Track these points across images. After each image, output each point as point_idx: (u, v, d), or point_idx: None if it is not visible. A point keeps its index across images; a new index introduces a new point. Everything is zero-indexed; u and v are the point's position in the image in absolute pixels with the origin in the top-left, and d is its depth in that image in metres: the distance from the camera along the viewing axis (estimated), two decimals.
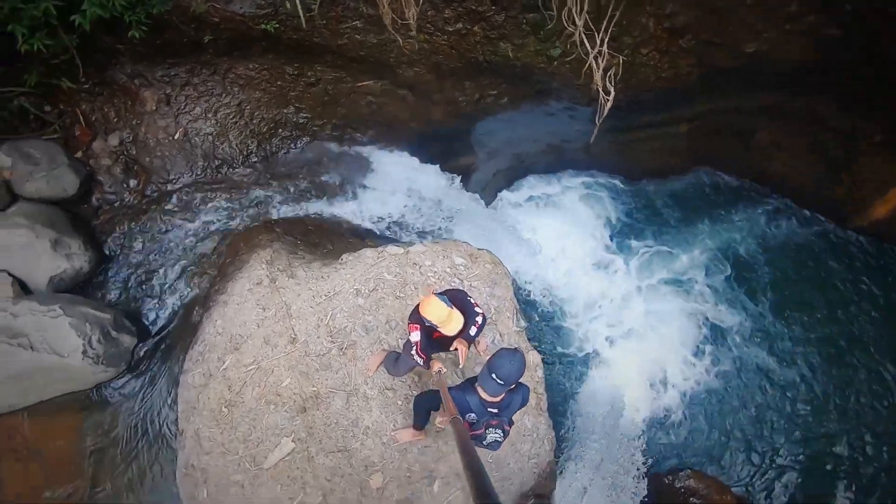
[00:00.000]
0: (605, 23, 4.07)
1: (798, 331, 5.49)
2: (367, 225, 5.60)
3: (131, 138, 5.23)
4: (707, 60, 4.89)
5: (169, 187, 5.31)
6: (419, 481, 3.65)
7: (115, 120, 5.19)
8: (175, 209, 5.22)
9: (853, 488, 4.86)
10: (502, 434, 2.78)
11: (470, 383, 2.74)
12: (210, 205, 5.27)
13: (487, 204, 6.07)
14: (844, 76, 4.84)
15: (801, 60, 4.74)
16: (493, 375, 2.44)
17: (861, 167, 5.51)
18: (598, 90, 4.39)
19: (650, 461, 4.94)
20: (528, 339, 4.37)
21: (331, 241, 5.16)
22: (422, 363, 2.89)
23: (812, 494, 4.90)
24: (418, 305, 2.90)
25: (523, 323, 4.41)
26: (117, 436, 4.26)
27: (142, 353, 4.60)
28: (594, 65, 4.26)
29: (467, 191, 5.97)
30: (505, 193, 6.43)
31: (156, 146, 5.28)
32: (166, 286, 4.97)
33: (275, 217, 5.31)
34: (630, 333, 5.51)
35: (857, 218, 5.79)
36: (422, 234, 5.61)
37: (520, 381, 2.59)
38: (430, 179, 5.95)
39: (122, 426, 4.28)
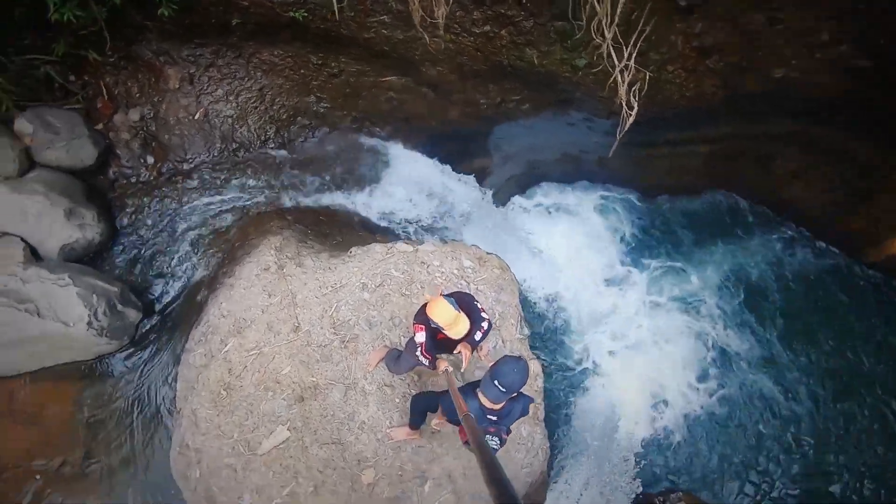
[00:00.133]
0: (634, 37, 4.03)
1: (805, 362, 5.43)
2: (378, 219, 5.61)
3: (152, 115, 5.26)
4: (733, 83, 4.84)
5: (185, 166, 5.34)
6: (411, 481, 3.65)
7: (137, 95, 5.22)
8: (189, 189, 5.24)
9: None
10: (499, 442, 2.76)
11: (471, 388, 2.72)
12: (224, 187, 5.30)
13: (499, 208, 6.06)
14: (872, 109, 4.78)
15: (829, 90, 4.68)
16: (496, 382, 2.42)
17: (880, 202, 5.45)
18: (621, 104, 4.35)
19: (643, 480, 4.90)
20: (531, 348, 4.36)
21: (341, 232, 5.17)
22: (427, 364, 2.89)
23: None
24: (425, 306, 2.89)
25: (527, 331, 4.40)
26: (115, 408, 4.29)
27: (145, 329, 4.63)
28: (619, 78, 4.22)
29: (480, 193, 5.95)
30: (518, 199, 6.41)
31: (175, 124, 5.31)
32: (174, 264, 4.99)
33: (287, 205, 5.32)
34: (634, 349, 5.48)
35: (872, 253, 5.72)
36: (431, 233, 5.61)
37: (521, 390, 2.57)
38: (444, 179, 5.95)
39: (120, 399, 4.31)
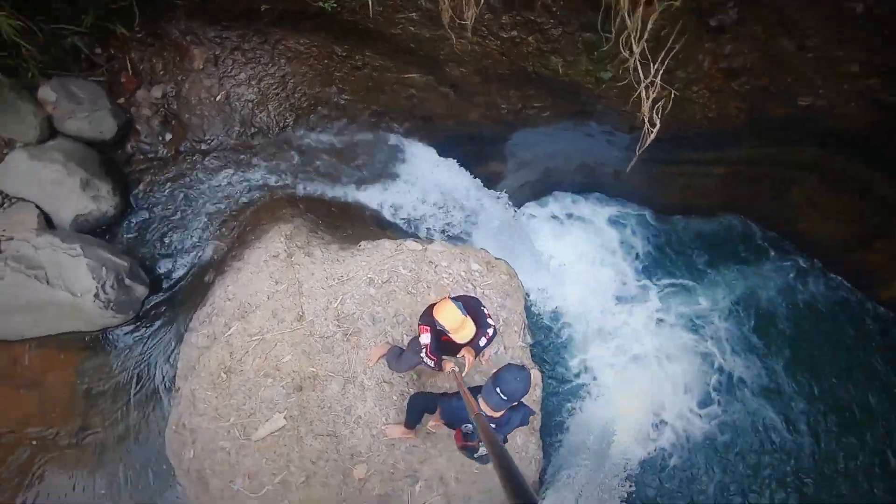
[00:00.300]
0: (662, 54, 4.00)
1: (809, 395, 5.36)
2: (390, 215, 5.61)
3: (174, 93, 5.28)
4: (758, 107, 4.80)
5: (203, 147, 5.36)
6: (402, 479, 3.65)
7: (161, 73, 5.24)
8: (205, 169, 5.26)
9: None
10: None
11: (471, 392, 2.71)
12: (240, 170, 5.31)
13: (511, 213, 6.04)
14: None
15: (855, 122, 4.62)
16: (498, 389, 2.42)
17: None
18: (643, 120, 4.32)
19: (636, 500, 4.87)
20: (532, 357, 4.35)
21: (352, 225, 5.18)
22: (432, 365, 2.89)
23: None
24: (431, 307, 2.90)
25: (529, 339, 4.39)
26: (115, 382, 4.32)
27: (150, 305, 4.66)
28: (644, 94, 4.18)
29: (493, 197, 5.94)
30: (531, 205, 6.39)
31: (197, 104, 5.33)
32: (184, 243, 5.01)
33: (300, 193, 5.33)
34: (636, 366, 5.43)
35: (884, 290, 5.65)
36: (441, 234, 5.60)
37: (522, 400, 2.57)
38: (458, 180, 5.93)
39: (121, 373, 4.34)
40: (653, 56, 4.05)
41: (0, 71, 4.28)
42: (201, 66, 5.29)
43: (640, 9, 3.80)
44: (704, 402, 5.35)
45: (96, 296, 4.24)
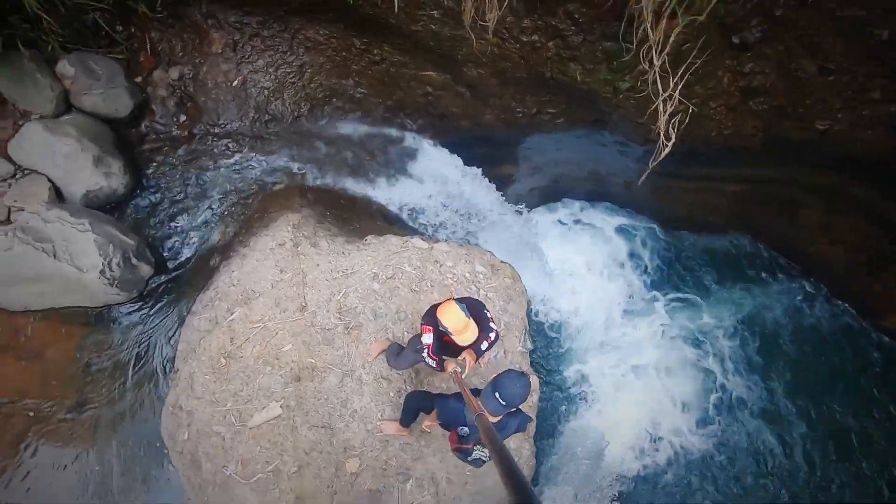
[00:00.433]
0: (682, 69, 3.98)
1: (808, 420, 5.32)
2: (397, 211, 5.61)
3: (191, 75, 5.29)
4: (775, 127, 4.77)
5: (216, 130, 5.37)
6: (394, 476, 3.66)
7: (180, 54, 5.24)
8: (217, 153, 5.27)
9: None
10: (488, 455, 2.76)
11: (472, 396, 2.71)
12: (251, 157, 5.32)
13: (519, 217, 6.02)
14: None
15: (873, 148, 4.59)
16: (497, 394, 2.41)
17: None
18: (658, 133, 4.31)
19: None
20: (531, 363, 4.34)
21: (359, 219, 5.18)
22: (434, 365, 2.89)
23: None
24: (434, 307, 2.89)
25: (529, 345, 4.39)
26: (115, 359, 4.34)
27: (154, 286, 4.67)
28: (661, 107, 4.17)
29: (502, 200, 5.93)
30: (539, 211, 6.38)
31: (213, 88, 5.33)
32: (192, 225, 5.03)
33: (310, 183, 5.33)
34: (636, 378, 5.41)
35: (889, 320, 5.61)
36: (448, 233, 5.60)
37: (520, 406, 2.56)
38: (468, 180, 5.91)
39: (121, 351, 4.36)
40: (673, 69, 4.03)
41: (21, 43, 4.29)
42: (220, 51, 5.29)
43: (664, 22, 3.78)
44: (702, 420, 5.33)
45: (102, 272, 4.25)
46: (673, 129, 4.24)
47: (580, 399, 5.22)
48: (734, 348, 5.73)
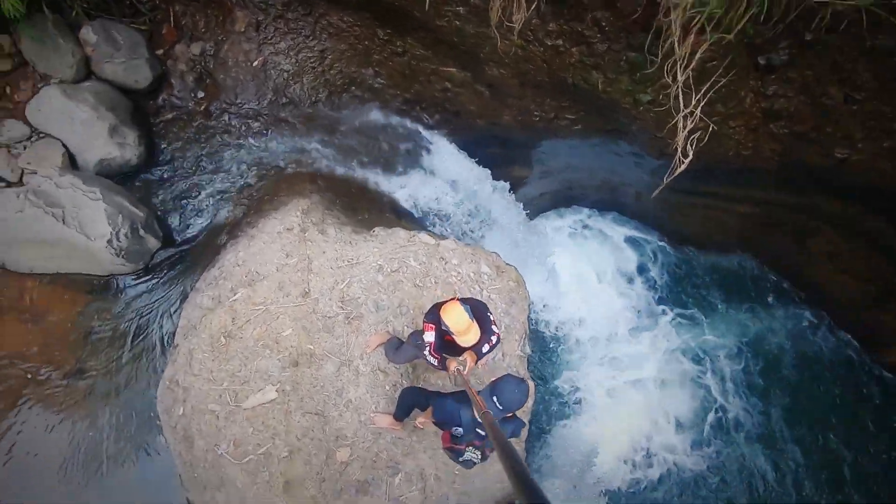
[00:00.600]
0: (706, 86, 3.94)
1: (803, 448, 5.30)
2: (406, 204, 5.60)
3: (212, 52, 5.28)
4: (794, 152, 4.72)
5: (233, 109, 5.37)
6: (383, 469, 3.67)
7: (202, 30, 5.24)
8: (232, 132, 5.27)
9: None
10: (480, 457, 2.77)
11: (466, 397, 2.72)
12: (265, 138, 5.32)
13: (528, 221, 6.00)
14: None
15: (891, 180, 4.54)
16: (495, 398, 2.42)
17: None
18: (675, 148, 4.27)
19: None
20: (528, 367, 4.34)
21: (368, 209, 5.18)
22: (436, 363, 2.89)
23: None
24: (438, 306, 2.89)
25: (528, 350, 4.38)
26: (116, 329, 4.37)
27: (160, 259, 4.69)
28: (681, 123, 4.13)
29: (512, 202, 5.91)
30: (548, 215, 6.36)
31: (233, 67, 5.32)
32: (202, 202, 5.05)
33: (322, 170, 5.32)
34: (632, 391, 5.41)
35: (892, 354, 5.58)
36: (456, 231, 5.59)
37: (516, 412, 2.57)
38: (480, 179, 5.89)
39: (123, 321, 4.39)
40: (696, 86, 3.98)
41: (46, 6, 4.29)
42: (242, 30, 5.28)
43: (692, 37, 3.73)
44: (696, 439, 5.32)
45: (109, 242, 4.28)
46: (691, 146, 4.20)
47: (574, 407, 5.22)
48: (735, 370, 5.71)
